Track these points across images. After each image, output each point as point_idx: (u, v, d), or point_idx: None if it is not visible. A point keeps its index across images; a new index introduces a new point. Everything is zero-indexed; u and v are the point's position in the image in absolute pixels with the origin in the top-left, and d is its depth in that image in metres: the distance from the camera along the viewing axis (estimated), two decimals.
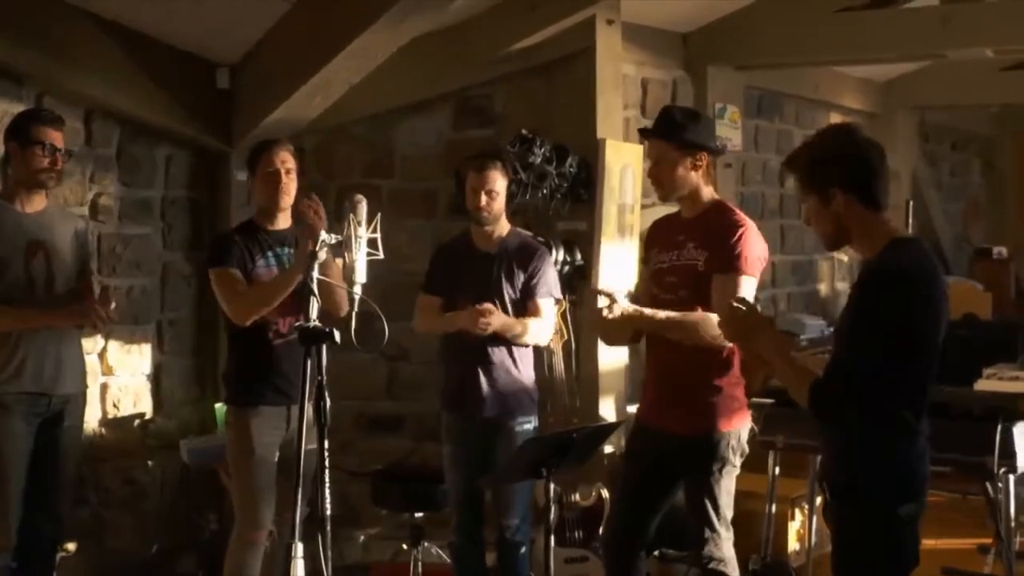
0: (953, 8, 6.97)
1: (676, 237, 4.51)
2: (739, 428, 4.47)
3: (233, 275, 4.78)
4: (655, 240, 4.68)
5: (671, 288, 4.48)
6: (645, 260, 4.77)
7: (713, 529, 4.46)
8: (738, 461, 4.50)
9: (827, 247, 3.63)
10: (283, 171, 4.80)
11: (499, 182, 5.08)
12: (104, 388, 6.05)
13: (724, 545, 4.49)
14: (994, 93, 9.95)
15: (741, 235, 4.35)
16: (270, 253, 4.85)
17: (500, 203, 5.10)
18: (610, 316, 4.39)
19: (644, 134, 4.62)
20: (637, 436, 4.68)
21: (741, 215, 4.48)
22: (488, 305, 4.92)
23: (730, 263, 4.32)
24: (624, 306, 4.40)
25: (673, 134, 4.44)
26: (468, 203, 5.11)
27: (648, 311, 4.40)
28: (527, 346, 5.16)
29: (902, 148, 10.07)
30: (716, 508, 4.45)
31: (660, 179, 4.49)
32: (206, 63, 6.19)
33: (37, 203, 4.82)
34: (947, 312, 3.40)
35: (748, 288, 4.33)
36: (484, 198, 5.03)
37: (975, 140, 12.40)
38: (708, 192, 4.52)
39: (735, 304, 3.62)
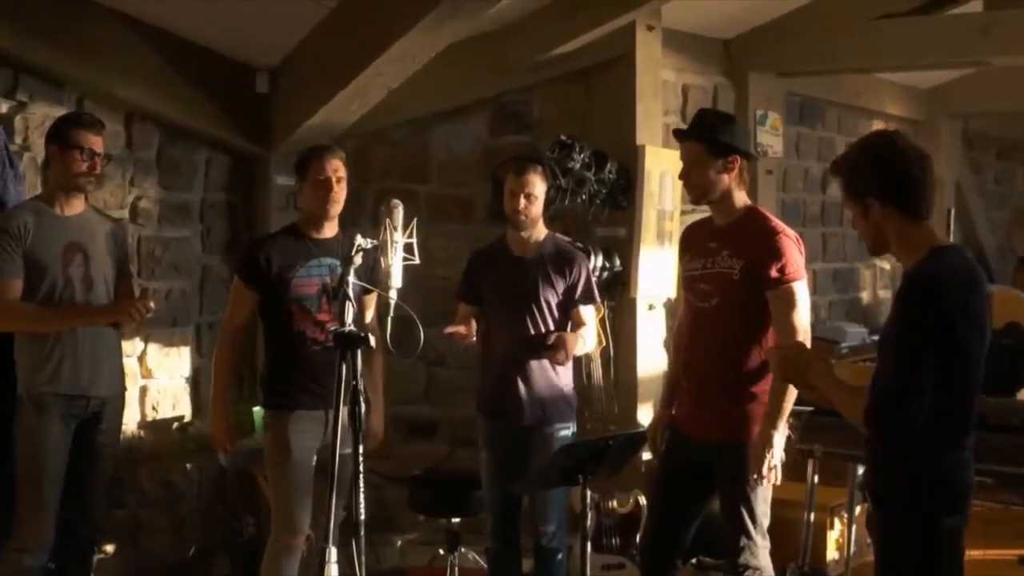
0: (995, 16, 6.89)
1: (708, 244, 4.47)
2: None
3: (244, 293, 4.87)
4: (688, 246, 4.66)
5: (704, 296, 4.45)
6: (680, 268, 4.74)
7: (749, 537, 4.42)
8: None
9: (870, 253, 3.62)
10: (334, 179, 4.77)
11: (538, 186, 5.05)
12: (143, 391, 6.09)
13: (760, 554, 4.45)
14: None
15: (780, 243, 4.32)
16: (314, 262, 4.80)
17: (538, 207, 5.07)
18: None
19: (677, 135, 4.57)
20: (673, 443, 4.65)
21: (776, 221, 4.46)
22: (557, 339, 4.93)
23: (778, 277, 4.29)
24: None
25: (705, 135, 4.41)
26: (506, 206, 5.10)
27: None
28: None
29: (945, 156, 9.98)
30: (752, 516, 4.41)
31: (691, 181, 4.46)
32: (245, 67, 6.21)
33: (76, 206, 4.84)
34: (989, 320, 3.36)
35: (802, 292, 4.33)
36: (523, 201, 5.02)
37: (1020, 148, 12.28)
38: (741, 198, 4.47)
39: (783, 351, 3.68)
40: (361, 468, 3.71)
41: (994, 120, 11.04)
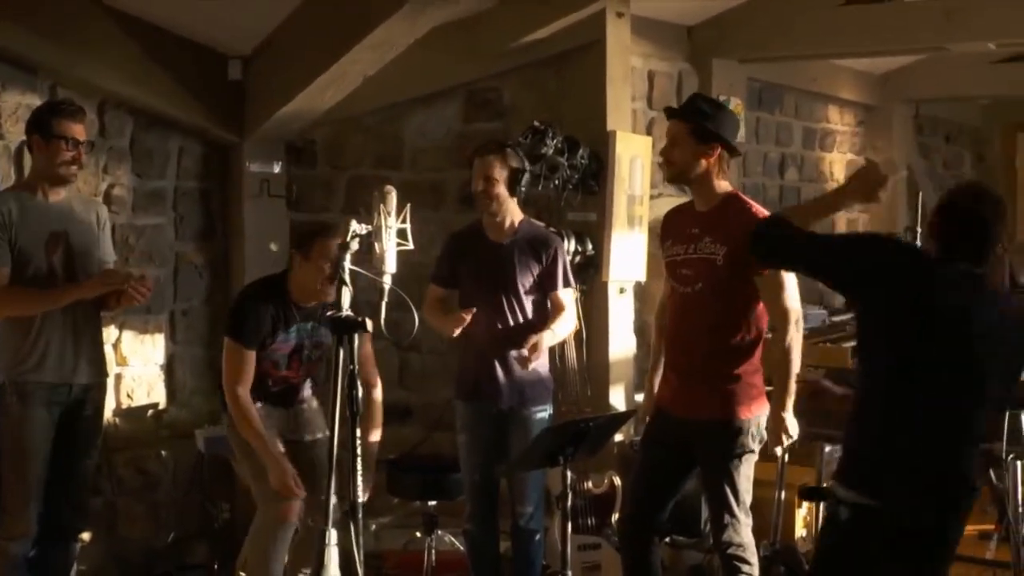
0: (957, 2, 7.01)
1: (690, 229, 4.54)
2: (759, 415, 4.53)
3: (246, 355, 4.87)
4: (669, 231, 4.71)
5: (687, 280, 4.53)
6: (662, 252, 4.79)
7: (733, 515, 4.51)
8: (757, 447, 4.56)
9: None
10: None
11: (497, 169, 5.04)
12: (118, 378, 6.09)
13: (743, 531, 4.55)
14: (986, 86, 9.99)
15: None
16: (293, 328, 4.92)
17: (500, 190, 5.06)
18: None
19: (669, 113, 4.62)
20: (656, 422, 4.73)
21: (757, 207, 4.52)
22: (527, 348, 4.97)
23: None
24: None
25: (692, 118, 4.49)
26: (473, 191, 5.13)
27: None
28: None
29: (898, 140, 10.14)
30: (736, 494, 4.50)
31: (669, 158, 4.54)
32: (218, 54, 6.22)
33: (59, 194, 4.84)
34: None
35: (789, 274, 4.44)
36: (482, 183, 5.04)
37: (967, 132, 12.48)
38: (723, 184, 4.54)
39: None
40: (359, 451, 3.76)
41: (943, 104, 11.20)
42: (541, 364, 5.17)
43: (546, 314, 5.19)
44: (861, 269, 3.60)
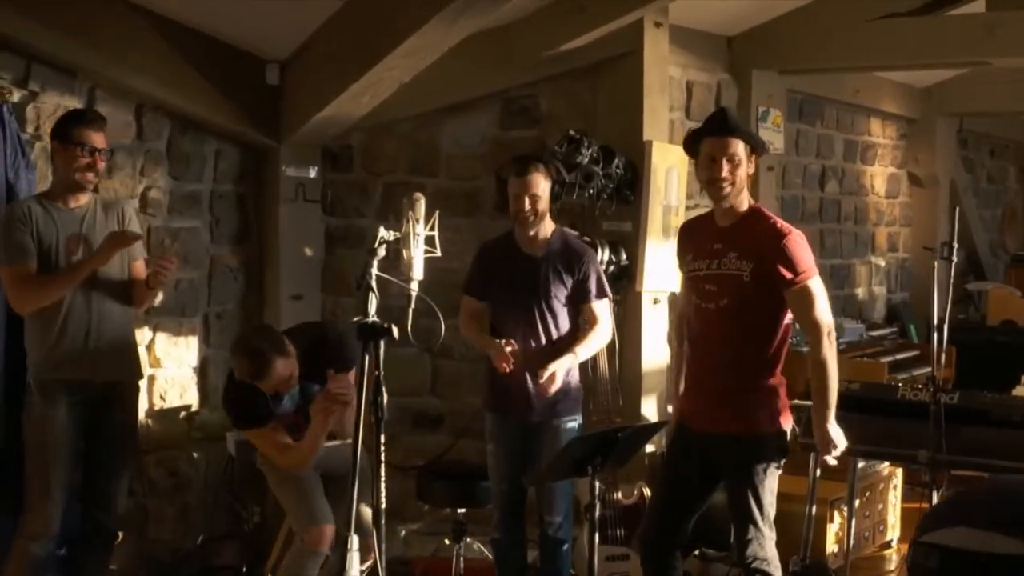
0: (998, 16, 6.93)
1: (713, 245, 4.47)
2: (783, 427, 4.49)
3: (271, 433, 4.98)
4: (689, 245, 4.64)
5: (711, 297, 4.46)
6: (681, 265, 4.73)
7: (758, 528, 4.46)
8: (781, 461, 4.53)
9: None
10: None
11: (542, 185, 5.05)
12: (151, 380, 6.12)
13: (767, 545, 4.50)
14: None
15: (789, 243, 4.34)
16: (282, 402, 4.98)
17: (544, 205, 5.07)
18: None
19: (721, 130, 4.43)
20: (679, 436, 4.69)
21: (780, 221, 4.47)
22: (546, 376, 4.96)
23: (793, 276, 4.32)
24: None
25: (746, 134, 4.46)
26: (511, 208, 5.10)
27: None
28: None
29: (941, 154, 10.08)
30: (760, 508, 4.46)
31: (729, 177, 4.37)
32: (256, 59, 6.24)
33: (80, 199, 4.88)
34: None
35: (818, 287, 4.39)
36: (527, 202, 5.02)
37: (1012, 147, 12.38)
38: (747, 197, 4.51)
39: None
40: (382, 457, 3.76)
41: (988, 119, 11.12)
42: (572, 374, 5.17)
43: (579, 326, 5.18)
44: None
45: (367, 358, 3.73)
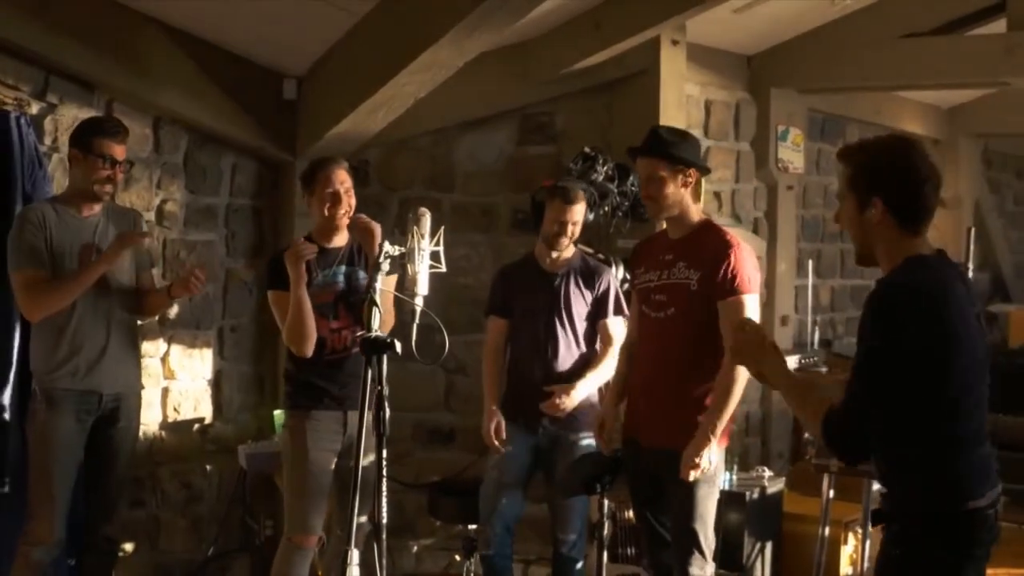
0: (1019, 36, 6.89)
1: (663, 256, 4.55)
2: (722, 446, 4.51)
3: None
4: (641, 259, 4.72)
5: (659, 306, 4.52)
6: (632, 280, 4.80)
7: (699, 549, 4.46)
8: (719, 480, 4.55)
9: (857, 259, 3.39)
10: (342, 191, 4.85)
11: (584, 213, 5.24)
12: (165, 392, 6.14)
13: (707, 568, 4.49)
14: None
15: (733, 256, 4.38)
16: (329, 271, 4.86)
17: (579, 231, 5.25)
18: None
19: (632, 153, 4.60)
20: (632, 455, 4.65)
21: (731, 234, 4.52)
22: (557, 399, 5.03)
23: (730, 287, 4.36)
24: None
25: (662, 151, 4.47)
26: (547, 230, 5.21)
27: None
28: None
29: (965, 175, 10.00)
30: (704, 526, 4.46)
31: (653, 196, 4.49)
32: (273, 74, 6.26)
33: (94, 207, 4.90)
34: (973, 329, 3.18)
35: (752, 306, 4.39)
36: (570, 229, 5.17)
37: None
38: (696, 211, 4.57)
39: (741, 325, 3.57)
40: (384, 472, 3.75)
41: (1014, 140, 11.03)
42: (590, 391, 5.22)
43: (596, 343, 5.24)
44: None
45: (369, 373, 3.73)
